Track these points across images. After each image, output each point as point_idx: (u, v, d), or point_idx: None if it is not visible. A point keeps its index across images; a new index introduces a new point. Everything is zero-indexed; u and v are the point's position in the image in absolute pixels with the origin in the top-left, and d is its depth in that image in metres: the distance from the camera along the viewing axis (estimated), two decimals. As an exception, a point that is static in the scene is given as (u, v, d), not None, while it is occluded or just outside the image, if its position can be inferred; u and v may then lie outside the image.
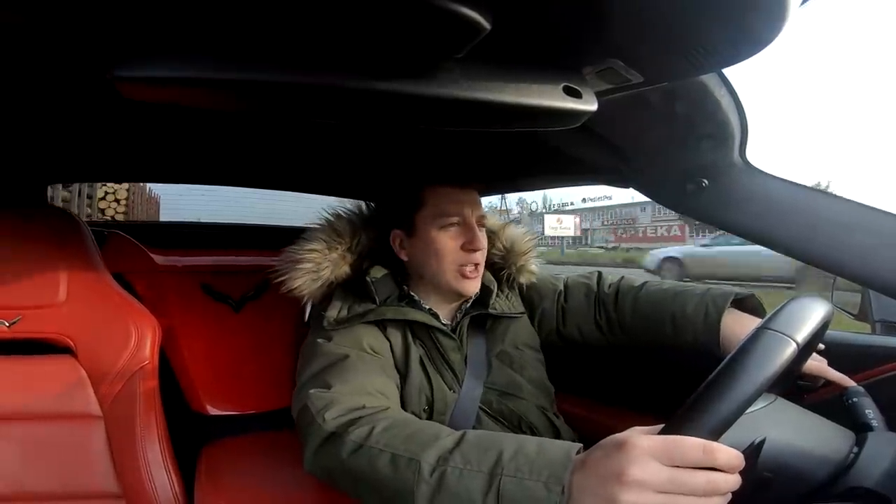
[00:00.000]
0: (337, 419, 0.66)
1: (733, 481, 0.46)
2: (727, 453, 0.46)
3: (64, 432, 0.89)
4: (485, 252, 0.90)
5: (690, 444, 0.46)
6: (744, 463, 0.47)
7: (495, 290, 0.96)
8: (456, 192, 0.88)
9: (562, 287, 1.03)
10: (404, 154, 1.19)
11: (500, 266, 1.02)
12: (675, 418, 0.49)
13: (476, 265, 0.88)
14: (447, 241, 0.86)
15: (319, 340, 0.82)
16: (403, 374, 0.85)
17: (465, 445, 0.57)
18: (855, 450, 0.56)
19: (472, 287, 0.89)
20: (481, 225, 0.90)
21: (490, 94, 0.48)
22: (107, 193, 6.98)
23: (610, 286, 0.99)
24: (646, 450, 0.47)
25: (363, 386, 0.74)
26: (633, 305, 0.93)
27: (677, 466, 0.46)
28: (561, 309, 1.01)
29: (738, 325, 0.80)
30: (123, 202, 7.16)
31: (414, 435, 0.60)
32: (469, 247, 0.86)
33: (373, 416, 0.66)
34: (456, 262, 0.86)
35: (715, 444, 0.46)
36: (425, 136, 1.04)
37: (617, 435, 0.50)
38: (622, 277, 1.01)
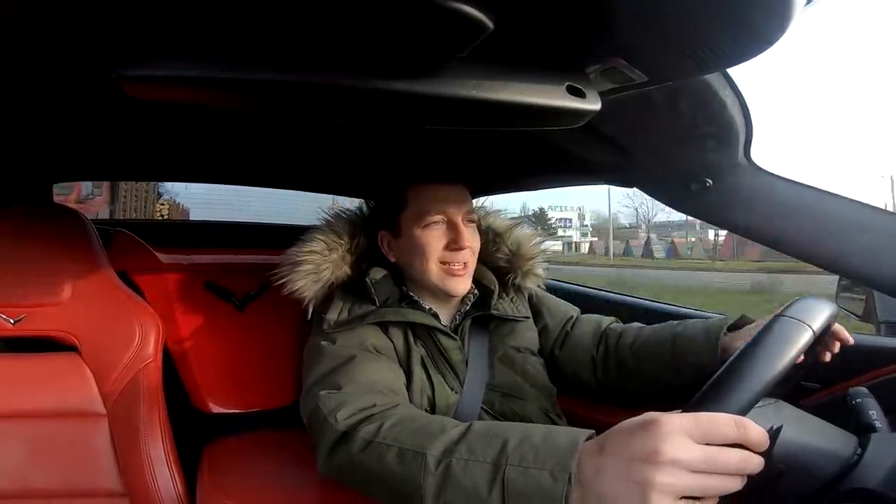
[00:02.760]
0: (349, 419, 0.66)
1: (759, 461, 0.45)
2: (757, 429, 0.44)
3: (68, 430, 0.89)
4: (474, 251, 0.88)
5: (724, 420, 0.44)
6: (768, 442, 0.45)
7: (496, 290, 0.94)
8: (439, 190, 0.86)
9: (574, 315, 1.02)
10: (399, 152, 1.19)
11: (506, 270, 1.00)
12: (700, 396, 0.48)
13: (465, 264, 0.86)
14: (431, 241, 0.85)
15: (323, 343, 0.82)
16: (406, 374, 0.84)
17: (470, 436, 0.55)
18: (858, 451, 0.55)
19: (460, 285, 0.87)
20: (470, 221, 0.88)
21: (493, 93, 0.48)
22: (157, 211, 9.43)
23: (615, 324, 1.00)
24: (678, 427, 0.44)
25: (373, 384, 0.73)
26: (637, 333, 0.93)
27: (709, 444, 0.44)
28: (565, 334, 1.00)
29: (736, 340, 0.79)
30: (167, 214, 9.37)
31: (421, 429, 0.60)
32: (454, 246, 0.84)
33: (383, 413, 0.65)
34: (441, 262, 0.85)
35: (746, 419, 0.44)
36: (420, 134, 1.04)
37: (639, 416, 0.47)
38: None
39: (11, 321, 0.90)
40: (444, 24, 0.39)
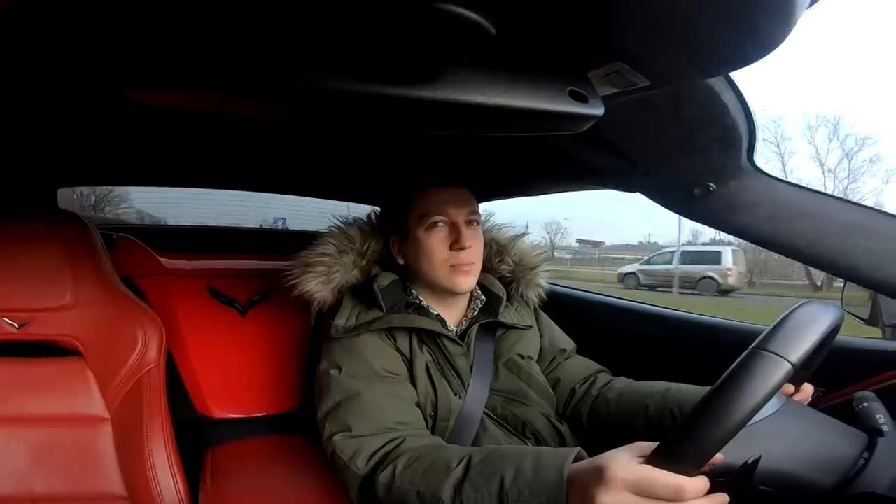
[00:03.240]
0: (367, 464, 0.74)
1: None
2: (695, 493, 0.50)
3: (71, 434, 0.89)
4: (477, 251, 0.89)
5: (662, 484, 0.50)
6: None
7: (504, 298, 0.96)
8: (441, 192, 0.88)
9: (569, 349, 1.02)
10: (406, 158, 1.19)
11: (510, 279, 1.02)
12: (661, 446, 0.51)
13: (471, 263, 0.88)
14: (433, 242, 0.87)
15: (332, 371, 0.84)
16: (410, 379, 0.85)
17: (472, 474, 0.64)
18: (865, 455, 0.55)
19: (465, 283, 0.88)
20: (473, 223, 0.89)
21: (496, 98, 0.48)
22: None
23: (604, 373, 0.99)
24: (620, 481, 0.52)
25: (380, 423, 0.77)
26: (620, 393, 0.90)
27: (645, 497, 0.51)
28: (556, 362, 1.00)
29: None
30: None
31: (429, 470, 0.68)
32: (456, 246, 0.86)
33: (394, 453, 0.73)
34: (446, 262, 0.87)
35: (689, 485, 0.49)
36: (426, 140, 1.05)
37: (604, 457, 0.55)
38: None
39: (16, 325, 0.91)
40: (446, 29, 0.39)
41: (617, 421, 0.87)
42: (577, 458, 0.60)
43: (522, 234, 1.08)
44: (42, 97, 0.79)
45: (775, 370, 0.47)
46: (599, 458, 0.56)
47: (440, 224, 0.87)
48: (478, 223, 0.91)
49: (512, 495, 0.59)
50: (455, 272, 0.87)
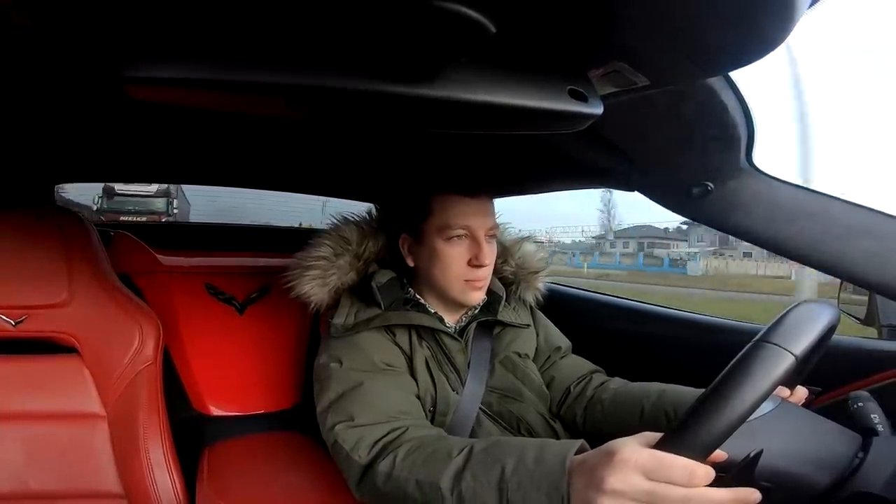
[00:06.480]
0: (369, 453, 0.73)
1: (714, 497, 0.49)
2: (704, 479, 0.49)
3: (68, 432, 0.89)
4: (492, 266, 0.89)
5: (677, 467, 0.49)
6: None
7: (504, 297, 0.96)
8: (463, 203, 0.85)
9: (564, 346, 1.02)
10: (414, 158, 1.19)
11: (511, 280, 1.02)
12: (669, 434, 0.51)
13: (486, 278, 0.87)
14: (453, 255, 0.85)
15: (332, 365, 0.83)
16: (410, 374, 0.85)
17: (472, 463, 0.63)
18: (860, 454, 0.55)
19: (477, 297, 0.88)
20: (492, 236, 0.88)
21: (495, 97, 0.48)
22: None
23: (599, 373, 0.99)
24: (633, 461, 0.50)
25: (383, 411, 0.77)
26: (615, 393, 0.90)
27: (658, 481, 0.49)
28: (551, 360, 1.00)
29: None
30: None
31: (429, 458, 0.67)
32: (475, 262, 0.85)
33: (396, 441, 0.72)
34: (461, 276, 0.86)
35: (700, 470, 0.48)
36: (434, 139, 1.04)
37: (613, 443, 0.54)
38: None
39: (12, 323, 0.90)
40: (446, 28, 0.39)
41: (611, 421, 0.87)
42: (581, 451, 0.59)
43: (527, 238, 1.07)
44: (40, 93, 0.79)
45: (779, 361, 0.48)
46: (608, 444, 0.55)
47: (461, 237, 0.85)
48: (495, 236, 0.90)
49: (512, 485, 0.58)
50: (469, 287, 0.86)
